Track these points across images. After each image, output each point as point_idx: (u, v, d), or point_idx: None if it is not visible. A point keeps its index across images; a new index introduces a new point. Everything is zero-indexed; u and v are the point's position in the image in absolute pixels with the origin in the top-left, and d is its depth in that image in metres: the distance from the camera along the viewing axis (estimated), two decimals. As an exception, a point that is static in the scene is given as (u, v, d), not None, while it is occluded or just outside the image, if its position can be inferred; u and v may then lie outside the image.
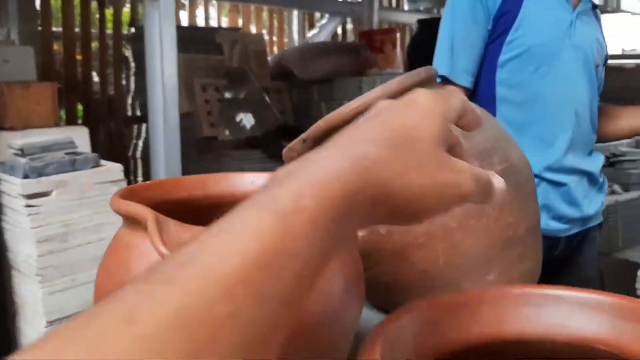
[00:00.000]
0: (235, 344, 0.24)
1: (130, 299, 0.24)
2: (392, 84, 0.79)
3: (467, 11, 1.29)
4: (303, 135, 0.91)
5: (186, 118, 2.81)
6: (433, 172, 0.35)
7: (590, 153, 1.40)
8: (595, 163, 1.40)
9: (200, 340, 0.23)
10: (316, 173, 0.31)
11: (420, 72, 0.81)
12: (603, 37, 1.40)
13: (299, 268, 0.27)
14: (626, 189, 2.62)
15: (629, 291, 2.90)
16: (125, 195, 0.60)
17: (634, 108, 1.48)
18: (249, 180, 0.72)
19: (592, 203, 1.40)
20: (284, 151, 0.95)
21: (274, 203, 0.29)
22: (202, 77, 2.87)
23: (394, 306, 0.46)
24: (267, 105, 2.99)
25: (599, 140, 1.43)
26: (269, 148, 2.77)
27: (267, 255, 0.26)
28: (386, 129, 0.35)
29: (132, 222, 0.55)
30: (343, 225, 0.31)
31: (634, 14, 4.07)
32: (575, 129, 1.32)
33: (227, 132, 2.84)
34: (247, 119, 2.94)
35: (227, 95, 2.90)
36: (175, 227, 0.50)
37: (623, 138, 1.50)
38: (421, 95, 0.39)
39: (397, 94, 0.80)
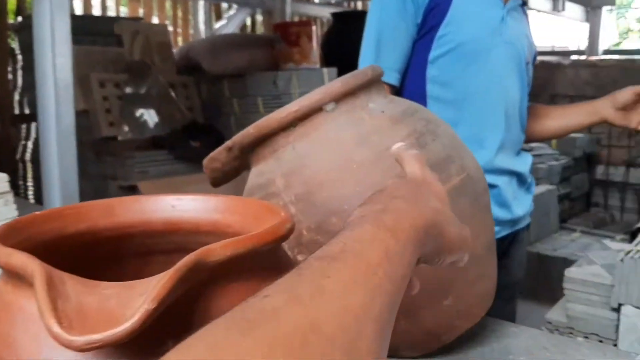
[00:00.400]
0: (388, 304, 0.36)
1: (306, 275, 0.34)
2: (337, 85, 0.68)
3: (395, 4, 1.21)
4: (228, 143, 0.78)
5: (82, 116, 2.56)
6: (460, 229, 0.49)
7: (518, 153, 1.37)
8: (524, 163, 1.37)
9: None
10: (399, 208, 0.43)
11: (367, 72, 0.70)
12: (532, 34, 1.37)
13: (404, 270, 0.39)
14: (535, 183, 2.68)
15: (545, 283, 3.00)
16: (7, 234, 0.45)
17: (562, 107, 1.47)
18: (168, 204, 0.58)
19: (522, 204, 1.38)
20: (205, 161, 0.81)
21: (384, 223, 0.40)
22: (99, 72, 2.63)
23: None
24: (173, 101, 2.79)
25: (527, 141, 1.41)
26: (175, 148, 2.58)
27: (390, 254, 0.38)
28: (423, 193, 0.49)
29: (15, 276, 0.40)
30: (418, 248, 0.42)
31: (539, 11, 4.23)
32: (506, 128, 1.29)
33: (128, 132, 2.61)
34: (150, 117, 2.73)
35: (128, 90, 2.67)
36: (75, 287, 0.36)
37: (551, 138, 1.49)
38: (427, 177, 0.53)
39: (342, 95, 0.69)
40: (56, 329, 0.31)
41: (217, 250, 0.39)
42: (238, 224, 0.56)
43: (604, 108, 1.32)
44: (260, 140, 0.72)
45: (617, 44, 5.10)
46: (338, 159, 0.68)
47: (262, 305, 0.30)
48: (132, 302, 0.34)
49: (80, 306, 0.34)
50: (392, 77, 1.24)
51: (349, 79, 0.69)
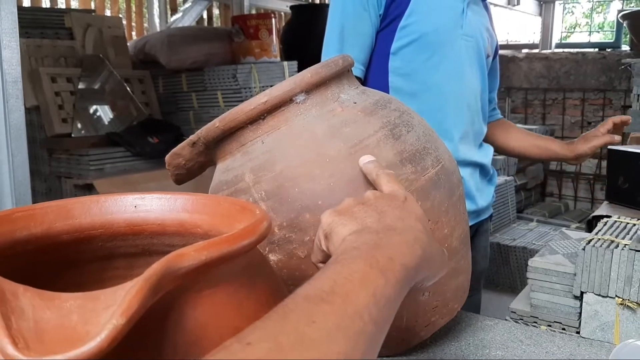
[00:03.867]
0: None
1: (292, 318, 0.33)
2: (307, 75, 0.65)
3: None
4: (192, 137, 0.74)
5: (33, 113, 2.45)
6: (441, 252, 0.52)
7: (480, 145, 1.38)
8: (486, 155, 1.38)
9: None
10: (394, 246, 0.45)
11: (338, 61, 0.68)
12: (493, 28, 1.38)
13: (391, 309, 0.40)
14: (497, 174, 2.73)
15: (505, 273, 3.05)
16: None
17: (524, 133, 1.51)
18: (130, 203, 0.54)
19: (484, 195, 1.38)
20: (167, 158, 0.77)
21: (377, 262, 0.41)
22: (50, 66, 2.52)
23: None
24: (129, 96, 2.70)
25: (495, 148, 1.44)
26: (132, 145, 2.49)
27: (377, 296, 0.38)
28: (410, 222, 0.50)
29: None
30: (409, 283, 0.44)
31: (496, 5, 4.29)
32: (468, 120, 1.29)
33: (81, 128, 2.52)
34: (104, 113, 2.63)
35: (81, 86, 2.57)
36: (31, 301, 0.32)
37: (510, 156, 1.54)
38: (408, 197, 0.53)
39: (312, 86, 0.66)
40: (10, 350, 0.27)
41: (191, 255, 0.35)
42: (207, 223, 0.52)
43: (562, 149, 1.40)
44: (227, 134, 0.68)
45: (565, 38, 5.21)
46: (310, 152, 0.65)
47: (245, 355, 0.29)
48: (97, 316, 0.30)
49: (37, 323, 0.30)
50: (356, 70, 1.23)
51: (319, 69, 0.66)
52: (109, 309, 0.30)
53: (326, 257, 0.51)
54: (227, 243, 0.38)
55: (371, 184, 0.59)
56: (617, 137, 1.27)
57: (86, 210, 0.53)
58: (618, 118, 1.34)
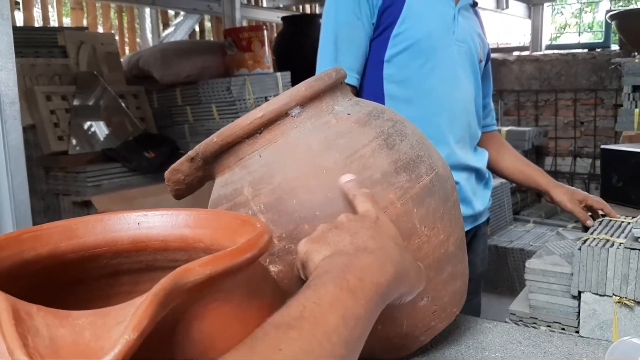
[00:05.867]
0: None
1: (260, 347, 0.34)
2: (302, 89, 0.66)
3: (350, 5, 1.21)
4: (191, 153, 0.76)
5: (28, 132, 2.46)
6: (417, 269, 0.54)
7: (475, 149, 1.39)
8: (481, 159, 1.39)
9: None
10: (365, 266, 0.46)
11: (331, 74, 0.69)
12: (484, 33, 1.40)
13: (362, 328, 0.41)
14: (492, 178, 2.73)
15: (503, 275, 3.06)
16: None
17: (515, 157, 1.50)
18: (134, 221, 0.56)
19: (481, 199, 1.40)
20: (166, 174, 0.78)
21: (347, 284, 0.42)
22: (44, 85, 2.53)
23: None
24: (124, 112, 2.71)
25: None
26: (129, 160, 2.50)
27: (347, 317, 0.39)
28: (382, 241, 0.51)
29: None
30: (383, 302, 0.45)
31: (485, 9, 4.33)
32: (464, 124, 1.30)
33: (77, 145, 2.53)
34: (100, 129, 2.65)
35: (76, 103, 2.58)
36: (45, 320, 0.33)
37: (497, 174, 1.54)
38: (380, 216, 0.55)
39: (307, 99, 0.68)
40: (28, 367, 0.29)
41: (196, 270, 0.37)
42: (209, 238, 0.54)
43: (545, 185, 1.40)
44: (225, 149, 0.70)
45: (555, 39, 5.25)
46: (306, 164, 0.66)
47: None
48: (109, 332, 0.32)
49: (52, 340, 0.32)
50: (352, 79, 1.24)
51: (313, 83, 0.67)
52: (120, 325, 0.32)
53: None
54: (230, 257, 0.39)
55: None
56: (590, 222, 1.28)
57: (90, 229, 0.54)
58: (607, 211, 1.31)
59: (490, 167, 1.46)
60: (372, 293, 0.43)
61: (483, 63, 1.38)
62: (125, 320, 0.32)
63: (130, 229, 0.55)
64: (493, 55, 4.91)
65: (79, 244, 0.53)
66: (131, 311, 0.32)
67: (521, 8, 4.80)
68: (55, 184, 2.47)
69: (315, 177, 0.65)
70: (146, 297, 0.32)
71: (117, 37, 3.38)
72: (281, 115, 0.67)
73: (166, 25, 3.95)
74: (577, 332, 1.02)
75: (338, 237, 0.50)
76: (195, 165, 0.75)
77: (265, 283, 0.49)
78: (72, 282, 0.54)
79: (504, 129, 4.12)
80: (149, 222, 0.56)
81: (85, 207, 2.31)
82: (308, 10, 4.59)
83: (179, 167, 0.76)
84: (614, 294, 0.97)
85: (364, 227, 0.51)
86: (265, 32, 2.66)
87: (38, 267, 0.51)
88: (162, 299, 0.33)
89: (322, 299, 0.39)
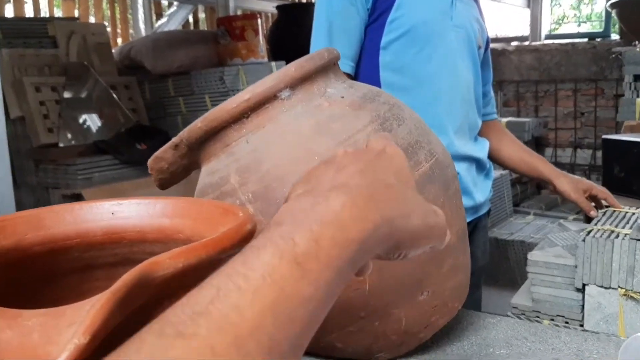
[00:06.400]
0: None
1: (144, 354, 0.23)
2: (291, 69, 0.62)
3: None
4: (175, 140, 0.71)
5: (17, 124, 2.41)
6: (425, 215, 0.39)
7: (476, 139, 1.35)
8: (482, 148, 1.35)
9: None
10: (331, 213, 0.32)
11: (323, 54, 0.65)
12: (483, 19, 1.35)
13: (312, 309, 0.29)
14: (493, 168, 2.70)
15: (504, 267, 3.03)
16: None
17: (517, 145, 1.45)
18: (107, 210, 0.51)
19: (482, 190, 1.36)
20: (149, 162, 0.74)
21: (292, 248, 0.29)
22: (34, 75, 2.47)
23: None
24: (115, 103, 2.66)
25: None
26: (121, 153, 2.46)
27: (282, 303, 0.27)
28: (377, 175, 0.38)
29: None
30: (356, 264, 0.33)
31: (483, -2, 4.28)
32: (462, 112, 1.26)
33: (69, 137, 2.48)
34: (92, 121, 2.60)
35: (67, 94, 2.53)
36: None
37: (498, 164, 1.49)
38: (388, 148, 0.42)
39: (297, 81, 0.63)
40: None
41: (166, 262, 0.32)
42: (189, 229, 0.49)
43: (549, 174, 1.36)
44: (210, 135, 0.65)
45: (553, 30, 5.21)
46: (297, 150, 0.62)
47: None
48: (60, 335, 0.27)
49: (-7, 343, 0.27)
50: (346, 66, 1.20)
51: (304, 63, 0.63)
52: (72, 327, 0.27)
53: None
54: (206, 248, 0.35)
55: None
56: (594, 213, 1.24)
57: (59, 219, 0.50)
58: (611, 202, 1.27)
59: (491, 156, 1.42)
60: (332, 258, 0.30)
61: (482, 50, 1.33)
62: (78, 321, 0.28)
63: (103, 219, 0.51)
64: (492, 45, 4.87)
65: (46, 236, 0.49)
66: (86, 310, 0.28)
67: (520, -3, 4.75)
68: (45, 177, 2.43)
69: (307, 163, 0.60)
70: (102, 296, 0.28)
71: (109, 28, 3.33)
72: (270, 98, 0.62)
73: (159, 15, 3.89)
74: (582, 325, 0.98)
75: (323, 173, 0.38)
76: (179, 152, 0.71)
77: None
78: (40, 279, 0.50)
79: (504, 120, 4.07)
80: (124, 211, 0.51)
81: (76, 200, 2.26)
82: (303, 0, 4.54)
83: (163, 155, 0.72)
84: (619, 287, 0.94)
85: (356, 159, 0.39)
86: (259, 20, 2.61)
87: (1, 262, 0.46)
88: (121, 297, 0.29)
89: (248, 278, 0.27)
